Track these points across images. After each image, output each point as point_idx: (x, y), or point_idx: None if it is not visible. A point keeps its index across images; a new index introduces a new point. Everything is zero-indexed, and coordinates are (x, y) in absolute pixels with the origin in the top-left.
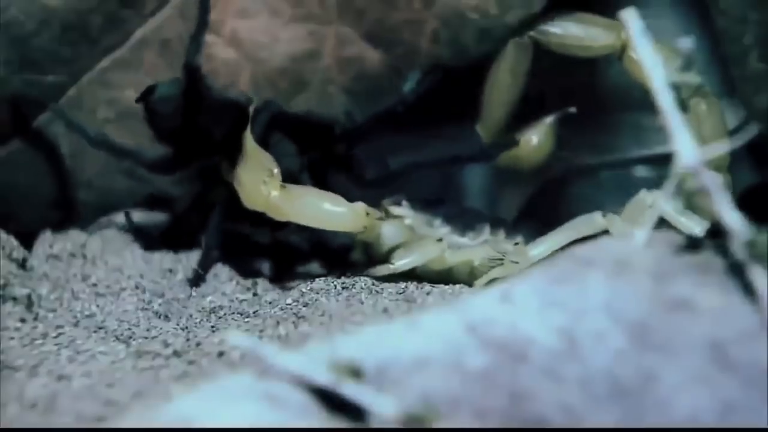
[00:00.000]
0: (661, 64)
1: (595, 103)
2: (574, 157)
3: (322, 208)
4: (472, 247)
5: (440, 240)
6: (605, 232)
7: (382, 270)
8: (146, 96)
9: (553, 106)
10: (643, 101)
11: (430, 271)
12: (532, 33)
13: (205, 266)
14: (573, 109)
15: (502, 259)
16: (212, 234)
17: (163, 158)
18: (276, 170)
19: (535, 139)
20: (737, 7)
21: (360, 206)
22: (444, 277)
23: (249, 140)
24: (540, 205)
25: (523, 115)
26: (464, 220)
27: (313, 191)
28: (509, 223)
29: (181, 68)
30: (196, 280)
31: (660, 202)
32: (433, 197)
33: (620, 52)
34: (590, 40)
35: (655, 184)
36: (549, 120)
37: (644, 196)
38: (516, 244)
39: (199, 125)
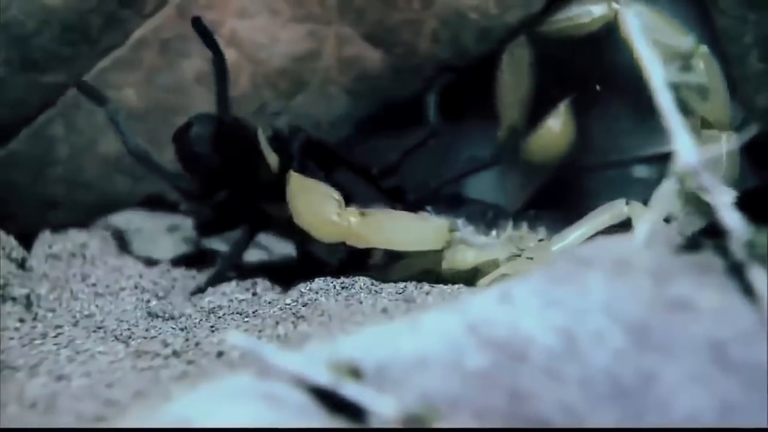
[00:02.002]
0: (660, 64)
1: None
2: (575, 157)
3: (407, 230)
4: (496, 247)
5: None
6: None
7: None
8: (182, 134)
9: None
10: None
11: (455, 272)
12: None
13: (213, 283)
14: (597, 88)
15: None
16: (231, 256)
17: (197, 186)
18: (339, 196)
19: (557, 125)
20: (737, 7)
21: (442, 222)
22: (469, 277)
23: (297, 177)
24: (540, 205)
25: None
26: (486, 218)
27: (391, 213)
28: (532, 217)
29: (213, 96)
30: (198, 291)
31: (660, 201)
32: (453, 195)
33: (615, 22)
34: (583, 16)
35: (655, 184)
36: (564, 104)
37: (669, 185)
38: (540, 240)
39: (230, 161)
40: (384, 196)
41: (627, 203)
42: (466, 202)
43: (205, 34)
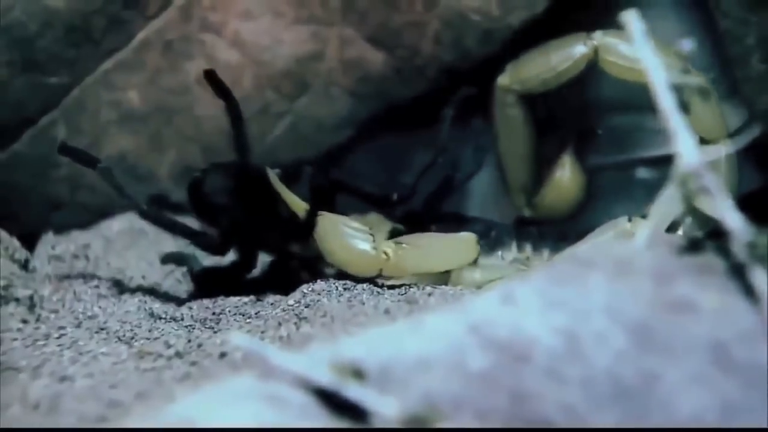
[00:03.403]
0: (662, 66)
1: (594, 105)
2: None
3: (440, 251)
4: (503, 267)
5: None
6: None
7: None
8: (197, 187)
9: (554, 113)
10: (642, 103)
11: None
12: (514, 87)
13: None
14: (599, 131)
15: None
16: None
17: (216, 239)
18: (369, 228)
19: (565, 176)
20: (739, 9)
21: (468, 236)
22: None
23: (326, 216)
24: None
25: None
26: (492, 238)
27: (420, 237)
28: (534, 235)
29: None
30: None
31: (662, 205)
32: (455, 214)
33: (596, 58)
34: (565, 61)
35: (657, 185)
36: (568, 155)
37: (668, 194)
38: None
39: (249, 208)
40: (399, 219)
41: (629, 219)
42: (469, 220)
43: (217, 83)
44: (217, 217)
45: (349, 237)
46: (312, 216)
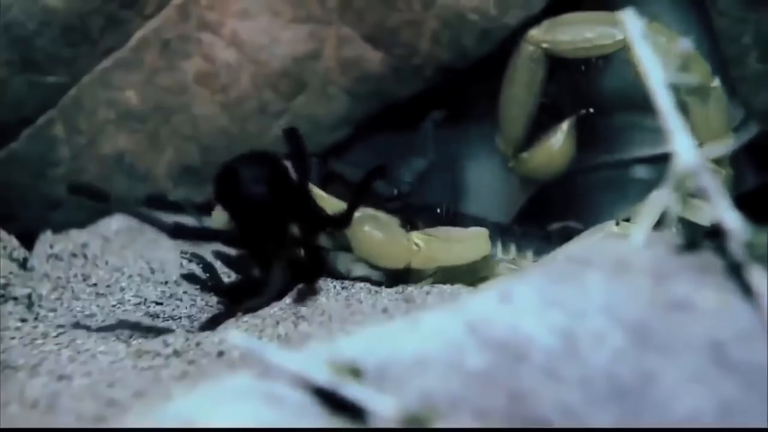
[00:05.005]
0: (660, 65)
1: (596, 104)
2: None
3: (461, 243)
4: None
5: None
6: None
7: None
8: (225, 177)
9: (557, 108)
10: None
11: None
12: (544, 45)
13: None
14: (591, 110)
15: None
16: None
17: (239, 235)
18: (397, 219)
19: (556, 144)
20: (736, 8)
21: (479, 230)
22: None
23: (360, 209)
24: (539, 205)
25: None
26: None
27: (440, 230)
28: (518, 234)
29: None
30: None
31: (660, 201)
32: (446, 208)
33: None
34: (604, 38)
35: (654, 184)
36: (567, 124)
37: (655, 197)
38: (534, 262)
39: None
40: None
41: (617, 223)
42: (460, 216)
43: (297, 141)
44: (246, 207)
45: (382, 228)
46: (352, 209)
